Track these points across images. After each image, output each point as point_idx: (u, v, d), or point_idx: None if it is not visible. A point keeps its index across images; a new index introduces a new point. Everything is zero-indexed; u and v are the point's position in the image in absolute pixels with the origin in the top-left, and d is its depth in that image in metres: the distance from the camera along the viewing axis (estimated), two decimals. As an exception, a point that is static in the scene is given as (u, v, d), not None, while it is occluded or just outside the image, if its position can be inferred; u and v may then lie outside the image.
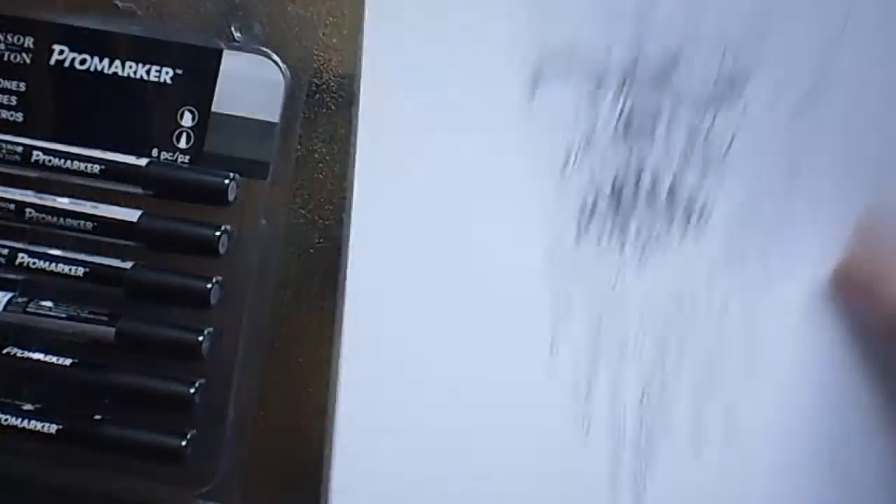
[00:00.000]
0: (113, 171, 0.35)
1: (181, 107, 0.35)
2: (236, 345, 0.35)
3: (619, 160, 0.30)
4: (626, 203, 0.30)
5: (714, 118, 0.30)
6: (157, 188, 0.36)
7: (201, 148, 0.35)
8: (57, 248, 0.36)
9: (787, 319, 0.30)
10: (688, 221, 0.30)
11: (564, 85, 0.30)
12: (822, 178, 0.29)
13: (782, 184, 0.29)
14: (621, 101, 0.30)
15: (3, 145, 0.36)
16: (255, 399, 0.35)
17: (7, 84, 0.36)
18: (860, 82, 0.29)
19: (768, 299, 0.30)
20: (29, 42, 0.36)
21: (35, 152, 0.35)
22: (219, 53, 0.35)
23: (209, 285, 0.35)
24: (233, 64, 0.35)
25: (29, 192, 0.36)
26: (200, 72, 0.36)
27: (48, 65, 0.36)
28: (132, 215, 0.35)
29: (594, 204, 0.30)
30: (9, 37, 0.36)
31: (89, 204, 0.35)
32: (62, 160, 0.35)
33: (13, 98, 0.36)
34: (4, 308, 0.35)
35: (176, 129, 0.36)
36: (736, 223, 0.30)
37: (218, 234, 0.35)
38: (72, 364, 0.35)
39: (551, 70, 0.30)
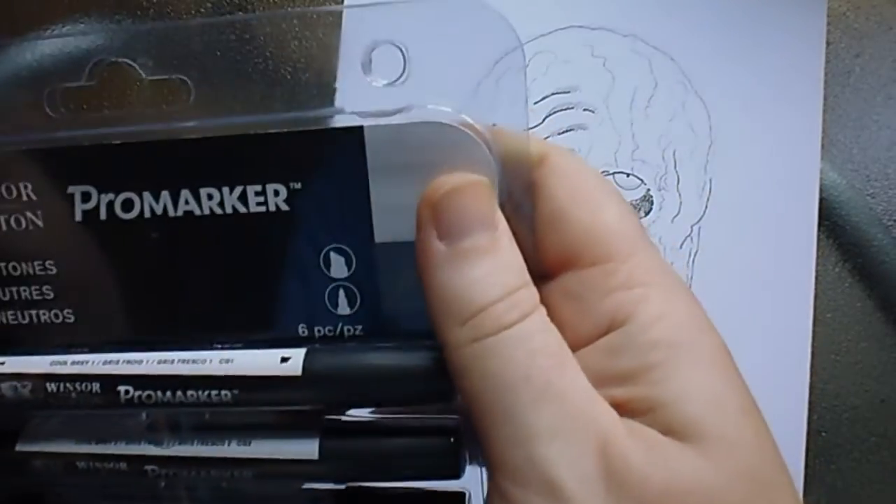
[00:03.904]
0: (250, 393, 0.20)
1: (323, 247, 0.21)
2: None
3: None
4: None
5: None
6: (331, 396, 0.20)
7: (377, 306, 0.21)
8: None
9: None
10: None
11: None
12: (708, 288, 0.34)
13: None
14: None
15: (75, 386, 0.20)
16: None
17: (27, 268, 0.21)
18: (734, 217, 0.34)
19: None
20: (27, 191, 0.21)
21: (123, 389, 0.20)
22: (357, 133, 0.20)
23: None
24: (386, 143, 0.20)
25: (147, 445, 0.21)
26: (336, 176, 0.20)
27: (74, 222, 0.21)
28: (309, 450, 0.21)
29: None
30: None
31: (245, 443, 0.21)
32: (165, 392, 0.20)
33: (47, 289, 0.22)
34: None
35: (327, 287, 0.21)
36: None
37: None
38: None
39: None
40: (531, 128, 0.33)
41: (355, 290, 0.21)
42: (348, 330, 0.21)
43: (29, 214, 0.21)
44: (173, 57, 0.21)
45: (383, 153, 0.20)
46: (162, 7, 0.35)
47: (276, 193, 0.20)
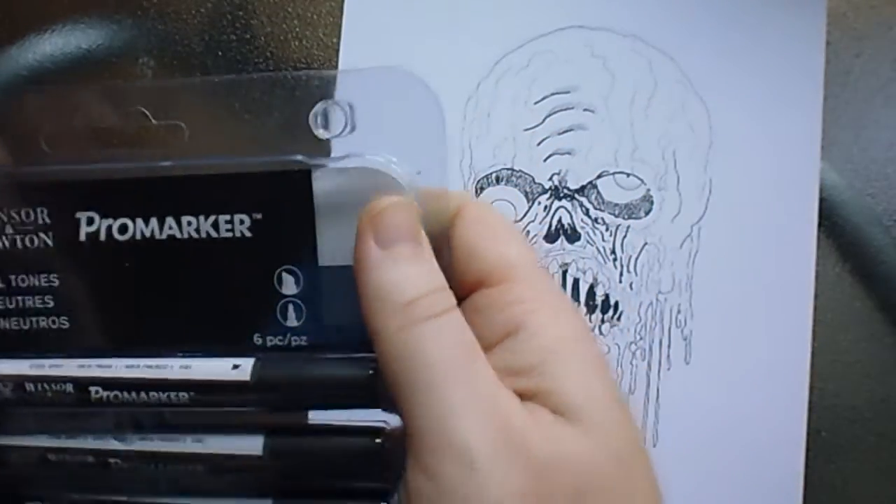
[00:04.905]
0: (205, 395, 0.24)
1: (277, 267, 0.24)
2: None
3: (548, 260, 0.36)
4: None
5: (627, 230, 0.35)
6: (275, 400, 0.24)
7: (320, 320, 0.25)
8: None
9: (684, 398, 0.34)
10: (603, 314, 0.35)
11: (504, 193, 0.36)
12: (709, 288, 0.34)
13: (680, 288, 0.35)
14: (552, 209, 0.36)
15: (51, 386, 0.24)
16: None
17: (33, 280, 0.25)
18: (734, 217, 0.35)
19: (667, 380, 0.35)
20: (42, 215, 0.25)
21: (93, 389, 0.24)
22: (305, 175, 0.24)
23: None
24: (330, 184, 0.24)
25: (111, 440, 0.25)
26: (289, 209, 0.24)
27: (78, 241, 0.25)
28: (254, 447, 0.24)
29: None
30: (16, 214, 0.25)
31: (199, 440, 0.25)
32: (130, 393, 0.24)
33: (48, 298, 0.25)
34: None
35: (278, 302, 0.24)
36: (644, 318, 0.35)
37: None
38: None
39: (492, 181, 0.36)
40: (531, 128, 0.35)
41: (302, 305, 0.24)
42: (295, 340, 0.25)
43: (42, 234, 0.25)
44: (170, 107, 0.25)
45: (327, 192, 0.24)
46: (162, 7, 0.36)
47: (242, 222, 0.24)
